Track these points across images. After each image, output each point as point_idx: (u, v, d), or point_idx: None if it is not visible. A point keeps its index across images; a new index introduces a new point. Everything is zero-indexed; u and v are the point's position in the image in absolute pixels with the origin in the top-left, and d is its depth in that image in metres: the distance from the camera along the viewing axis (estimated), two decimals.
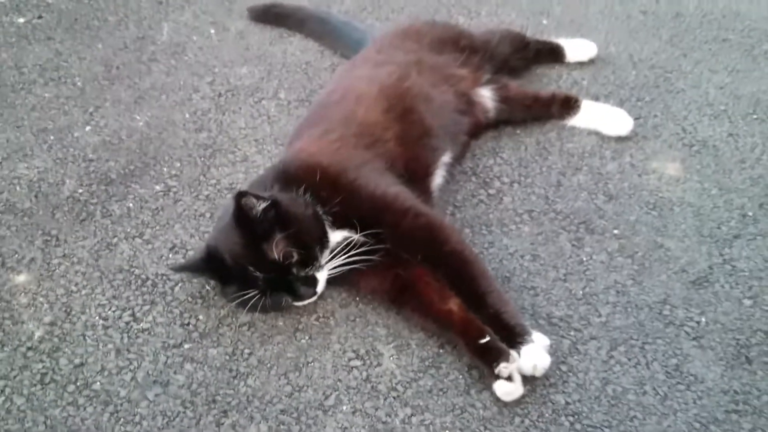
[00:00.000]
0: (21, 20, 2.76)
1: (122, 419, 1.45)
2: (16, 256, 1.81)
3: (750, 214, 1.86)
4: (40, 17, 2.79)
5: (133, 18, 2.77)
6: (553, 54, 2.44)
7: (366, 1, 2.85)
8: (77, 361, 1.56)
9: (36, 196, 1.98)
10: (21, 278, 1.76)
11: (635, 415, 1.42)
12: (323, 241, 1.58)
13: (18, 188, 2.01)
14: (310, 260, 1.54)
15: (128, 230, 1.88)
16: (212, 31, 2.69)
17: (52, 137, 2.19)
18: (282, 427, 1.43)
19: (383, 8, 2.81)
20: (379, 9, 2.81)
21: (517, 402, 1.44)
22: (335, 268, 1.58)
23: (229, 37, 2.66)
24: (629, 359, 1.52)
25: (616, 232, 1.83)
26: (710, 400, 1.44)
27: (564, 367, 1.51)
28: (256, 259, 1.50)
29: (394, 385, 1.50)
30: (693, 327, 1.58)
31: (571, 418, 1.42)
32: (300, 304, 1.60)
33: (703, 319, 1.60)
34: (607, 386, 1.47)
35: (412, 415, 1.44)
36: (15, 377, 1.54)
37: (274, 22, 2.72)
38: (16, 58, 2.55)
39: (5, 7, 2.84)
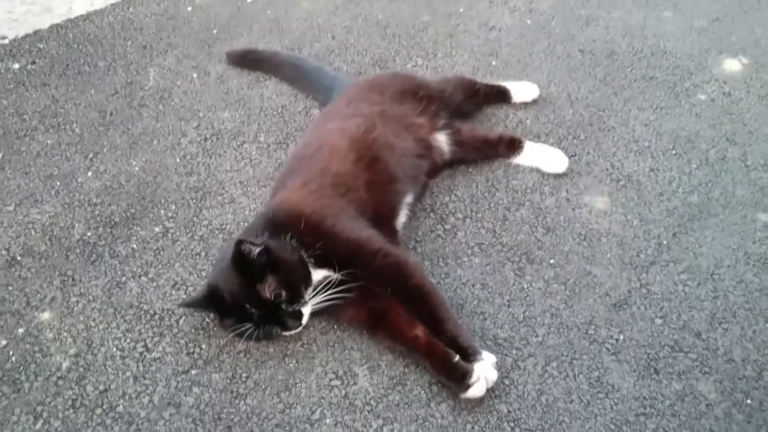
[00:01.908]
0: (16, 66, 3.00)
1: None
2: (39, 295, 2.09)
3: (665, 242, 2.20)
4: (33, 63, 3.02)
5: (121, 63, 3.02)
6: (500, 96, 2.75)
7: (333, 44, 3.13)
8: (101, 387, 1.85)
9: (50, 240, 2.25)
10: (45, 315, 2.03)
11: (563, 420, 1.76)
12: (307, 281, 1.88)
13: (33, 232, 2.28)
14: (296, 298, 1.84)
15: (134, 269, 2.16)
16: (194, 75, 2.95)
17: (58, 183, 2.45)
18: None
19: (349, 50, 3.09)
20: (345, 51, 3.09)
21: (469, 411, 1.76)
22: (318, 303, 1.88)
23: (210, 82, 2.92)
24: (560, 373, 1.86)
25: (552, 261, 2.16)
26: (624, 406, 1.78)
27: (507, 381, 1.84)
28: (251, 298, 1.80)
29: (368, 400, 1.81)
30: (613, 344, 1.92)
31: (511, 424, 1.75)
32: (288, 333, 1.90)
33: (622, 337, 1.94)
34: (541, 396, 1.81)
35: (383, 425, 1.76)
36: (50, 403, 1.82)
37: (250, 66, 2.98)
38: (17, 105, 2.79)
39: (0, 53, 3.07)
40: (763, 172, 2.43)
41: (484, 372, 1.76)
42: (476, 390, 1.76)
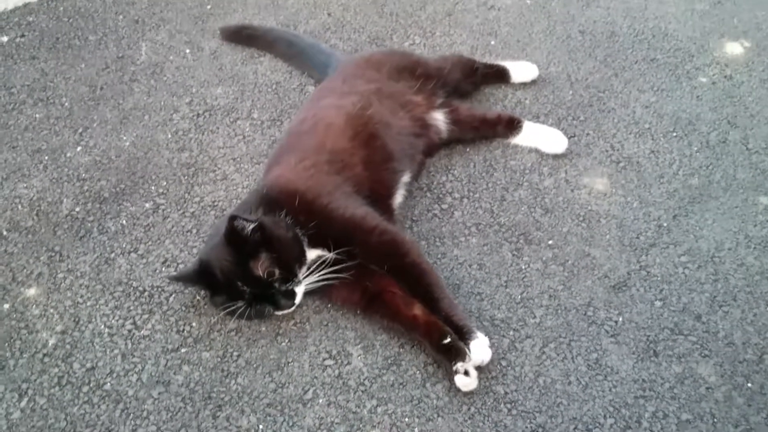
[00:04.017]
0: (4, 39, 2.93)
1: (132, 415, 1.71)
2: (25, 271, 2.04)
3: (665, 224, 2.17)
4: (22, 36, 2.96)
5: (112, 37, 2.96)
6: (499, 76, 2.70)
7: (329, 21, 3.07)
8: (89, 365, 1.81)
9: (37, 215, 2.20)
10: (32, 291, 1.99)
11: (561, 402, 1.72)
12: (301, 259, 1.84)
13: (20, 207, 2.22)
14: (290, 277, 1.80)
15: (124, 246, 2.11)
16: (187, 50, 2.89)
17: (46, 157, 2.40)
18: (269, 418, 1.70)
19: (345, 28, 3.04)
20: (341, 29, 3.03)
21: (465, 393, 1.73)
22: (312, 283, 1.84)
23: (203, 57, 2.86)
24: (558, 354, 1.82)
25: (550, 242, 2.12)
26: (623, 388, 1.75)
27: (504, 362, 1.80)
28: (244, 275, 1.76)
29: (362, 380, 1.78)
30: (612, 326, 1.89)
31: (508, 405, 1.71)
32: (280, 313, 1.86)
33: (620, 319, 1.91)
34: (538, 378, 1.77)
35: (377, 405, 1.72)
36: (36, 380, 1.78)
37: (245, 42, 2.92)
38: (5, 78, 2.73)
39: None
40: (765, 155, 2.40)
41: (479, 355, 1.73)
42: (462, 382, 1.72)
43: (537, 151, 2.41)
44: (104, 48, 2.90)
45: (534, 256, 2.07)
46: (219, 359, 1.83)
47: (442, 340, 1.74)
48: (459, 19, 3.09)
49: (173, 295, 1.97)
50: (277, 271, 1.77)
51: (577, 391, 1.75)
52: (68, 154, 2.41)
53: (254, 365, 1.81)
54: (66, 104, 2.62)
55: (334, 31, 3.02)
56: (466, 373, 1.71)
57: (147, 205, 2.24)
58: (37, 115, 2.57)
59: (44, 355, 1.84)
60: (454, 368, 1.71)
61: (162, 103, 2.63)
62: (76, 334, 1.88)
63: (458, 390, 1.73)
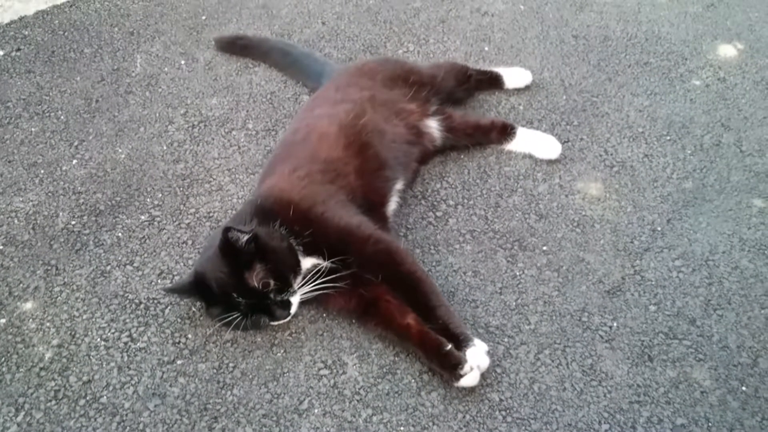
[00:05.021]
0: (0, 53, 2.94)
1: (128, 428, 1.72)
2: (21, 285, 2.05)
3: (659, 229, 2.17)
4: (18, 50, 2.97)
5: (108, 50, 2.97)
6: (493, 82, 2.71)
7: (323, 30, 3.08)
8: (85, 378, 1.82)
9: (33, 229, 2.21)
10: (28, 305, 1.99)
11: (556, 408, 1.73)
12: (296, 269, 1.84)
13: (16, 221, 2.23)
14: (285, 287, 1.80)
15: (120, 258, 2.12)
16: (182, 62, 2.91)
17: (42, 171, 2.41)
18: (264, 429, 1.71)
19: (339, 36, 3.05)
20: (336, 37, 3.04)
21: (460, 400, 1.73)
22: (307, 292, 1.84)
23: (198, 68, 2.87)
24: (552, 361, 1.83)
25: (545, 248, 2.12)
26: (617, 393, 1.75)
27: (498, 369, 1.80)
28: (239, 287, 1.76)
29: (357, 389, 1.78)
30: (606, 331, 1.89)
31: (503, 413, 1.72)
32: (276, 323, 1.87)
33: (615, 324, 1.91)
34: (533, 384, 1.78)
35: (372, 414, 1.73)
36: (32, 394, 1.79)
37: (239, 52, 2.93)
38: (0, 93, 2.74)
39: None
40: (758, 157, 2.40)
41: (476, 361, 1.73)
42: (469, 380, 1.73)
43: (531, 156, 2.42)
44: (99, 60, 2.92)
45: (528, 263, 2.08)
46: (215, 371, 1.83)
47: (443, 348, 1.75)
48: (452, 25, 3.10)
49: (169, 307, 1.98)
50: (272, 282, 1.78)
51: (572, 397, 1.75)
52: (64, 168, 2.42)
53: (250, 376, 1.82)
54: (62, 117, 2.63)
55: (328, 40, 3.03)
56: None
57: (142, 217, 2.25)
58: (33, 129, 2.58)
59: (41, 368, 1.84)
60: (462, 372, 1.71)
61: (157, 114, 2.64)
62: (72, 348, 1.89)
63: (453, 398, 1.74)
